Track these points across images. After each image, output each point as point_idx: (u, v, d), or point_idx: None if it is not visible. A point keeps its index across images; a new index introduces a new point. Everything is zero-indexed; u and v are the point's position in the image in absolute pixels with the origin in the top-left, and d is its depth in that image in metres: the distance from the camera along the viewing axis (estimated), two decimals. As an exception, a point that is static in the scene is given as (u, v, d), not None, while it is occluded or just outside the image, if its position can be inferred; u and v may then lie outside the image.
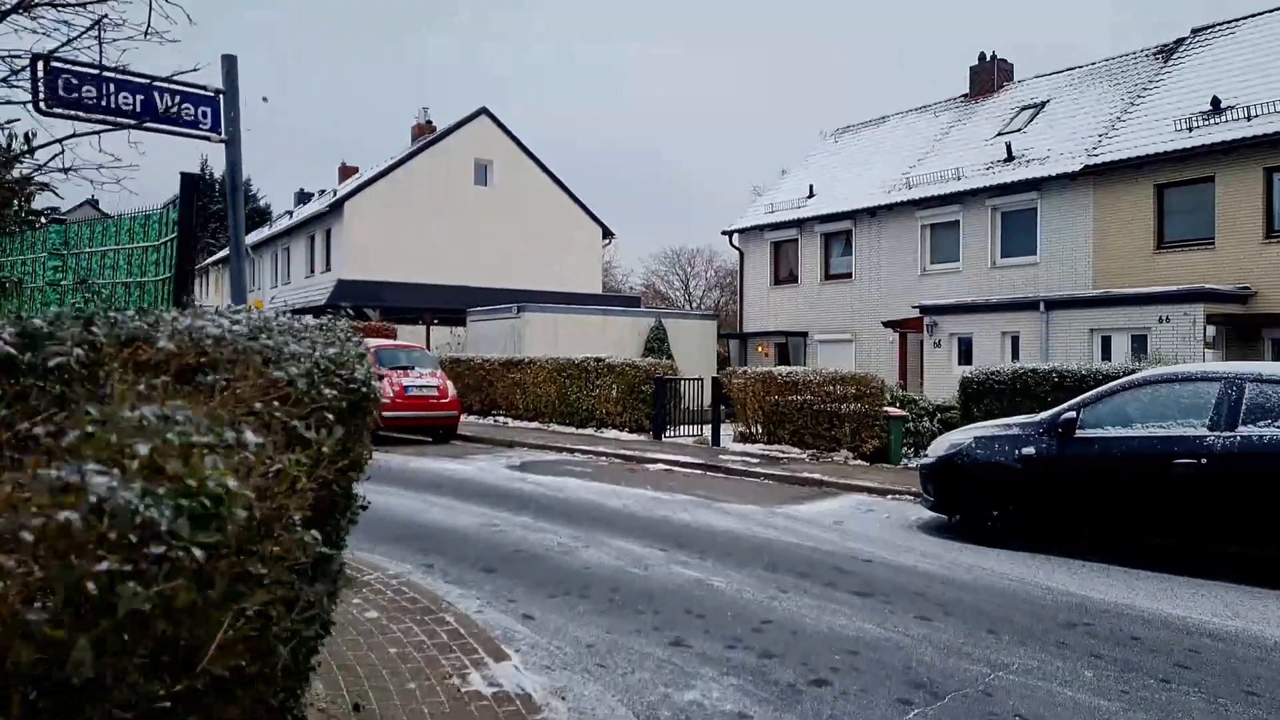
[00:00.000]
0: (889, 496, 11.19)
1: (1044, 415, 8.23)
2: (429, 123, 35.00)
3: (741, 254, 28.89)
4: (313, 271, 32.67)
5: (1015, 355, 18.86)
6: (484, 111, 32.72)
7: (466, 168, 32.20)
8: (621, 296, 41.45)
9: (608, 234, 35.63)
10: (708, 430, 16.78)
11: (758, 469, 12.84)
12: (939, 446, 8.95)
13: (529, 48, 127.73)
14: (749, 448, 14.82)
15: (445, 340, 28.12)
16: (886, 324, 22.74)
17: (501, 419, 18.41)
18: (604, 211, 35.97)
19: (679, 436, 16.38)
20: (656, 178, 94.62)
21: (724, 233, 29.20)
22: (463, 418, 18.79)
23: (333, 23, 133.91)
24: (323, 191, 40.69)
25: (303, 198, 46.81)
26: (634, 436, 16.19)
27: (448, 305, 28.31)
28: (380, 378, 14.74)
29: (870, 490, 11.42)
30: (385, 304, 27.93)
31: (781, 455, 14.20)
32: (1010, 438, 8.21)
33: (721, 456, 14.01)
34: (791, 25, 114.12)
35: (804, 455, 14.13)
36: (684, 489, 11.43)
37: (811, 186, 27.56)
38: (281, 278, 35.92)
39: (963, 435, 8.88)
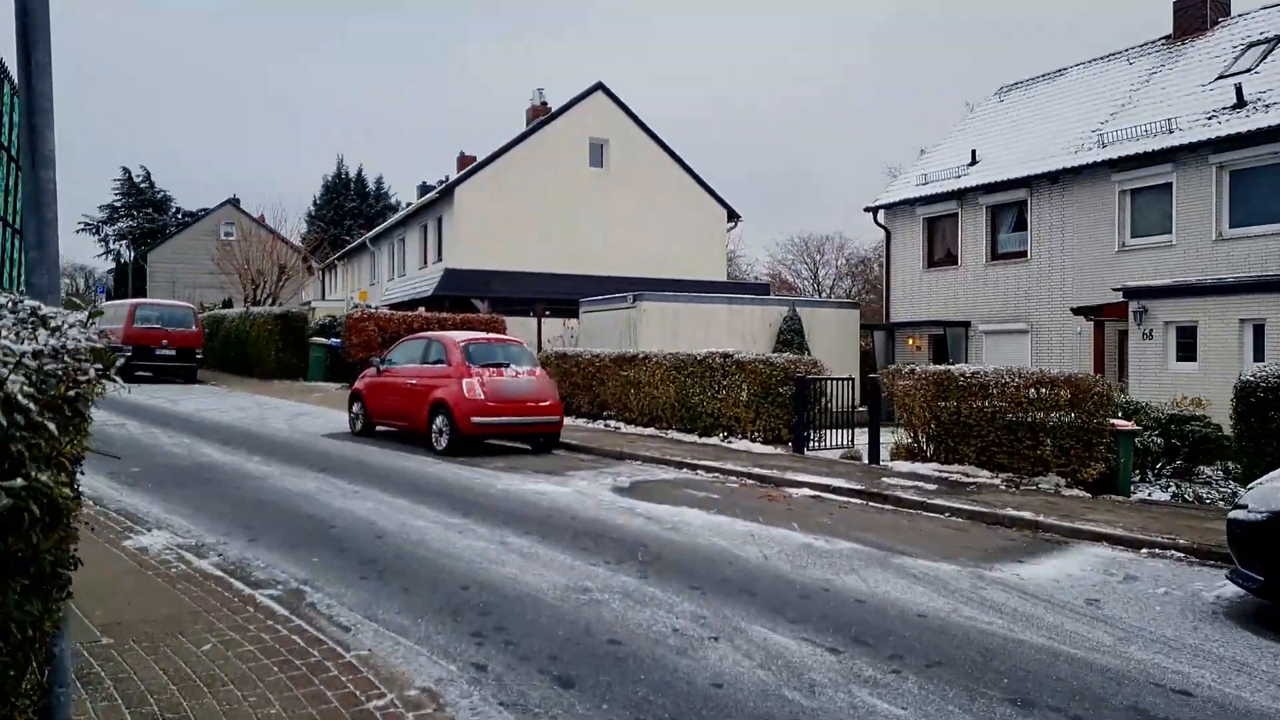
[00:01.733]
0: (1144, 551, 7.90)
1: None
2: (544, 104, 32.97)
3: (888, 233, 25.37)
4: (425, 262, 31.26)
5: (1259, 350, 14.81)
6: (599, 87, 30.38)
7: (580, 148, 29.96)
8: (749, 284, 38.40)
9: (733, 216, 32.68)
10: (860, 442, 13.69)
11: (938, 499, 9.73)
12: (1270, 495, 5.70)
13: (636, 29, 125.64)
14: (918, 467, 11.68)
15: (558, 333, 25.96)
16: (1077, 311, 18.87)
17: (612, 423, 15.88)
18: (723, 195, 32.99)
19: (824, 449, 13.38)
20: (773, 161, 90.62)
21: (867, 209, 25.76)
22: (568, 421, 16.40)
23: (458, 12, 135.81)
24: (441, 182, 39.52)
25: (424, 190, 46.02)
26: (769, 449, 13.30)
27: (560, 295, 26.13)
28: (468, 375, 12.47)
29: (1114, 540, 8.14)
30: (494, 294, 26.01)
31: (965, 480, 11.00)
32: None
33: (885, 480, 10.95)
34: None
35: (996, 480, 10.88)
36: (844, 529, 8.49)
37: (974, 152, 23.77)
38: (398, 269, 34.84)
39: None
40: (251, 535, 7.47)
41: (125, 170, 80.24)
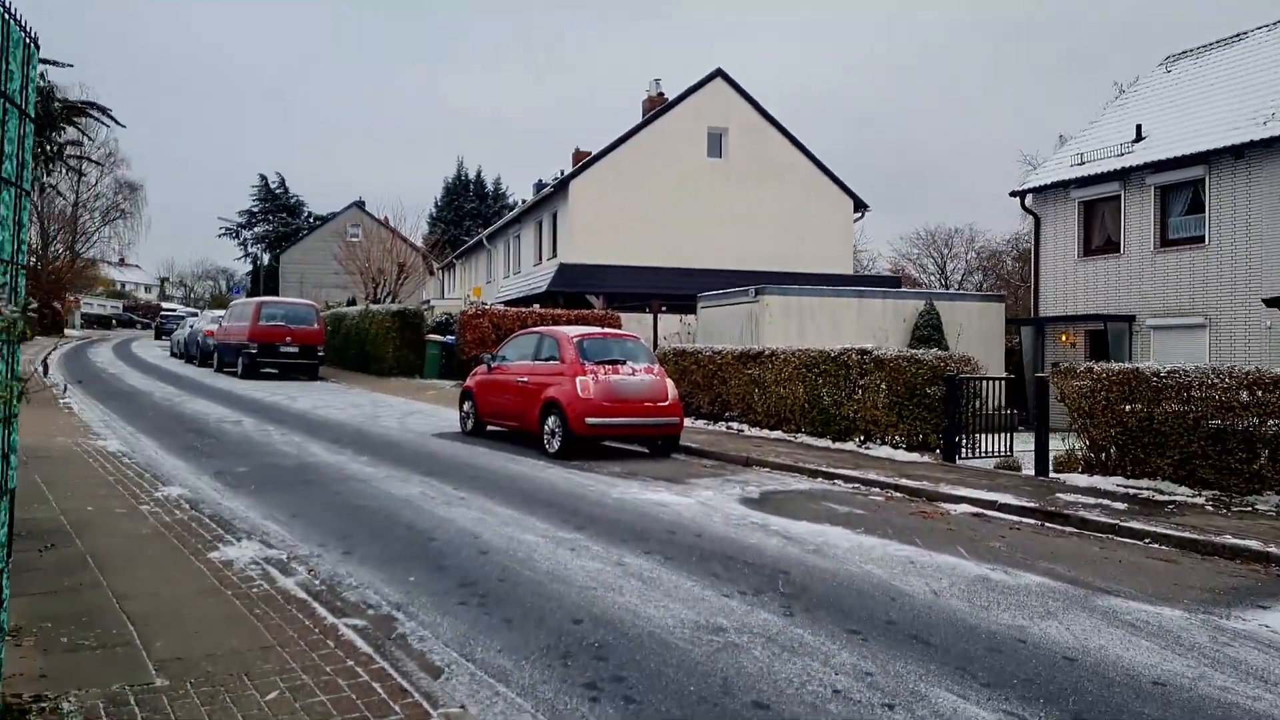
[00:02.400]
0: None
1: None
2: (660, 95, 32.04)
3: (1037, 219, 23.16)
4: (540, 259, 30.88)
5: None
6: (719, 74, 29.21)
7: (698, 138, 28.87)
8: (879, 276, 36.37)
9: (860, 206, 30.88)
10: (1021, 450, 12.10)
11: (1133, 522, 8.15)
12: None
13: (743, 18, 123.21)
14: (1098, 482, 10.04)
15: (674, 330, 24.95)
16: (1270, 302, 16.44)
17: (735, 425, 14.72)
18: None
19: (978, 458, 11.83)
20: (895, 151, 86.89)
21: (1013, 193, 23.60)
22: (687, 423, 15.35)
23: (574, 12, 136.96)
24: (555, 178, 39.26)
25: (540, 188, 46.02)
26: (913, 456, 11.86)
27: (677, 291, 25.13)
28: (583, 373, 11.59)
29: (1387, 583, 6.44)
30: (609, 290, 25.26)
31: (1159, 498, 9.31)
32: None
33: (1060, 497, 9.39)
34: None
35: (1198, 499, 9.15)
36: (1024, 558, 7.10)
37: (1139, 128, 21.33)
38: (513, 266, 34.68)
39: None
40: (347, 547, 6.75)
41: (262, 177, 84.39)
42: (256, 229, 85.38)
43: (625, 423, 11.72)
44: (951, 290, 36.40)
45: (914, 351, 12.11)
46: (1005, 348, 22.73)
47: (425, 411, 16.87)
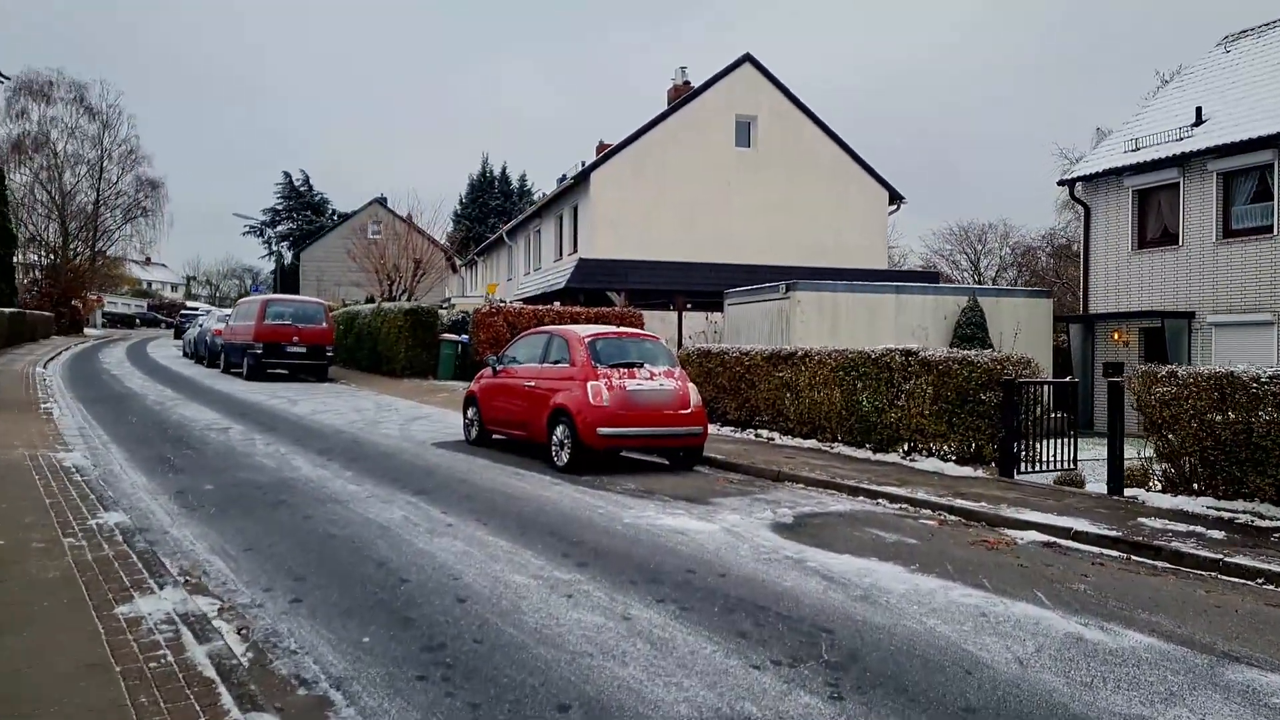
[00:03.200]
0: None
1: None
2: (686, 83, 30.77)
3: (1086, 209, 21.64)
4: (560, 254, 29.77)
5: None
6: (747, 59, 27.90)
7: (726, 126, 27.59)
8: (916, 271, 34.88)
9: (895, 198, 29.43)
10: (1086, 459, 10.76)
11: (1236, 557, 6.82)
12: None
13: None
14: (1183, 503, 8.69)
15: (700, 328, 23.74)
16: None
17: (764, 433, 13.47)
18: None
19: (1037, 471, 10.48)
20: (923, 147, 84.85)
21: (1062, 182, 22.12)
22: (712, 430, 14.12)
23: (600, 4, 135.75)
24: (578, 168, 38.13)
25: (562, 181, 44.97)
26: (966, 471, 10.55)
27: (703, 287, 23.89)
28: (594, 378, 10.41)
29: None
30: (631, 286, 24.08)
31: (1261, 523, 7.95)
32: None
33: (1144, 522, 8.06)
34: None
35: (1313, 527, 7.78)
36: (1117, 607, 5.81)
37: (1199, 110, 19.77)
38: (533, 262, 33.60)
39: None
40: (299, 592, 5.63)
41: (286, 175, 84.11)
42: (280, 227, 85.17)
43: (642, 433, 10.52)
44: (995, 285, 34.72)
45: (966, 352, 10.79)
46: (1054, 347, 21.28)
47: (432, 417, 15.80)
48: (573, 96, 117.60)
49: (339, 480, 9.47)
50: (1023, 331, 20.24)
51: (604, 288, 23.60)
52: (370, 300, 38.43)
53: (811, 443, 12.69)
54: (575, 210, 28.04)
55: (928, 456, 11.18)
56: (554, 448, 10.61)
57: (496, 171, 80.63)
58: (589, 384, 10.36)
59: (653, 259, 24.38)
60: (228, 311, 28.69)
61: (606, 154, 26.04)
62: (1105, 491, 9.44)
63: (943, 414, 10.90)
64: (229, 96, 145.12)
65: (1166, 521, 8.06)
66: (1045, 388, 10.54)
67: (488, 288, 29.52)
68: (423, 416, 15.98)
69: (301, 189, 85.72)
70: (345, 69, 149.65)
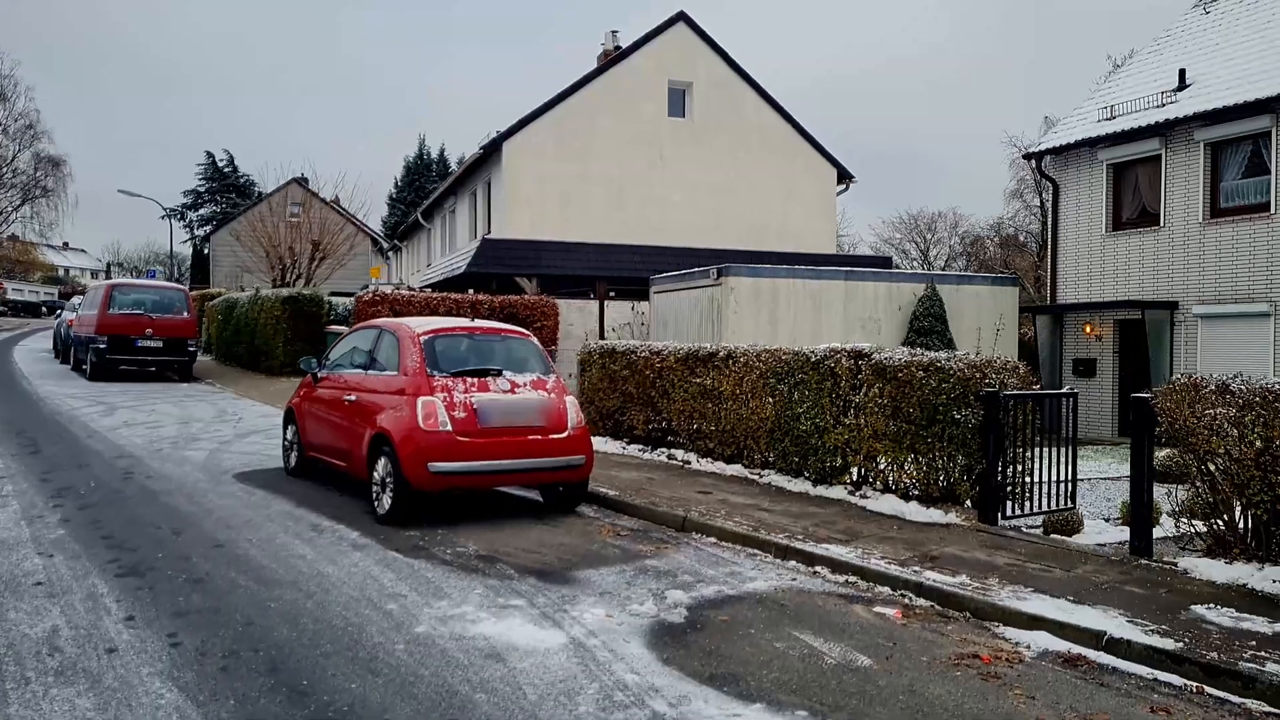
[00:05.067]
0: None
1: None
2: (617, 48, 27.79)
3: (1055, 186, 19.27)
4: (476, 235, 26.65)
5: None
6: (681, 18, 25.04)
7: (658, 93, 24.71)
8: (867, 256, 32.43)
9: (845, 177, 26.89)
10: (1091, 499, 8.20)
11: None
12: None
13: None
14: (1241, 573, 6.10)
15: (625, 319, 20.89)
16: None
17: (679, 454, 10.68)
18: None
19: (1027, 514, 7.83)
20: (873, 138, 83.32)
21: (1027, 155, 19.75)
22: (614, 449, 11.30)
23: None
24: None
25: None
26: (934, 514, 7.85)
27: (630, 273, 21.04)
28: (428, 391, 7.50)
29: None
30: (546, 271, 21.12)
31: (1379, 618, 5.38)
32: None
33: (1200, 612, 5.43)
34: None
35: None
36: None
37: (1183, 73, 17.46)
38: (449, 245, 30.40)
39: None
40: None
41: (209, 155, 79.24)
42: (203, 210, 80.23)
43: (497, 467, 7.63)
44: (956, 271, 32.42)
45: (934, 356, 8.09)
46: (1020, 341, 18.92)
47: (270, 431, 12.70)
48: (516, 73, 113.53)
49: (29, 546, 6.42)
50: (987, 323, 17.81)
51: (512, 273, 20.64)
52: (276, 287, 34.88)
53: (736, 468, 9.92)
54: (489, 186, 24.96)
55: (883, 492, 8.48)
56: (374, 489, 7.68)
57: (434, 153, 76.80)
58: (420, 400, 7.43)
59: (571, 240, 21.43)
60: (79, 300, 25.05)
61: (520, 122, 23.01)
62: (1127, 551, 6.83)
63: (903, 435, 8.21)
64: (155, 79, 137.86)
65: (1235, 613, 5.43)
66: (1040, 403, 7.91)
67: (371, 272, 26.31)
68: (263, 430, 12.89)
69: (225, 170, 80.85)
70: (276, 51, 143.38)
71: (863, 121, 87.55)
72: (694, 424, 10.54)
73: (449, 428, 7.41)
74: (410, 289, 24.83)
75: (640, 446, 11.28)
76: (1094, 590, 5.81)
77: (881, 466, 8.57)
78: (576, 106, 23.89)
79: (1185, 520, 6.76)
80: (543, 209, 23.08)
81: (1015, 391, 7.73)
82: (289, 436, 9.68)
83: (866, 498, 8.47)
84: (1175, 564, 6.44)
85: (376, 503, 7.64)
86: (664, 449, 10.96)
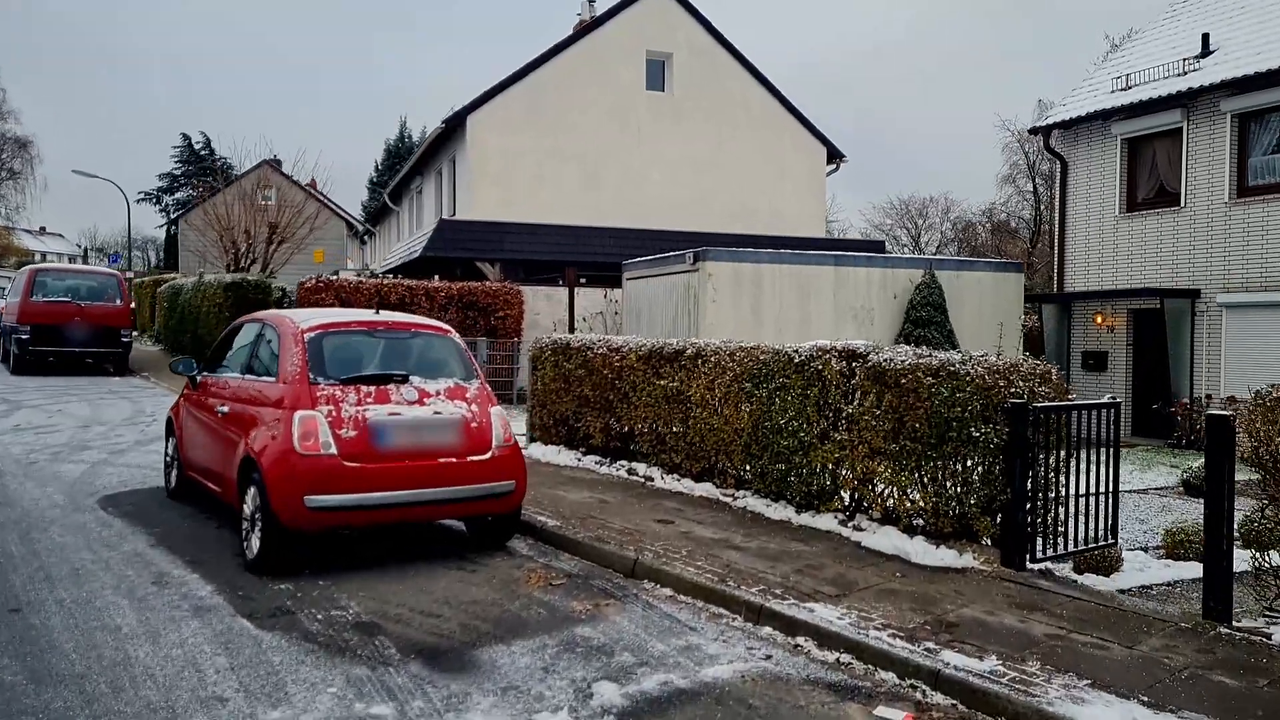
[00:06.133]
0: None
1: None
2: (594, 18, 26.03)
3: (1063, 163, 17.73)
4: (442, 214, 24.95)
5: None
6: (660, -16, 23.30)
7: (635, 65, 23.03)
8: (858, 241, 30.88)
9: (835, 156, 25.30)
10: (1148, 535, 6.71)
11: None
12: None
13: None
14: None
15: (598, 308, 19.30)
16: None
17: (641, 469, 9.14)
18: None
19: (1057, 554, 6.28)
20: (864, 125, 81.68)
21: (1033, 130, 18.20)
22: (565, 459, 9.75)
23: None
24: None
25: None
26: (947, 555, 6.30)
27: (604, 257, 19.42)
28: (308, 404, 5.92)
29: None
30: (508, 255, 19.48)
31: None
32: None
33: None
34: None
35: None
36: None
37: (1205, 38, 15.91)
38: (415, 228, 28.69)
39: None
40: None
41: (185, 138, 76.91)
42: (179, 194, 78.08)
43: (397, 500, 6.05)
44: (955, 256, 30.91)
45: (946, 359, 6.53)
46: (1023, 333, 17.44)
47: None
48: (502, 51, 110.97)
49: None
50: (990, 313, 16.31)
51: (473, 257, 19.00)
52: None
53: (706, 488, 8.38)
54: (454, 164, 23.25)
55: (881, 522, 6.96)
56: (244, 525, 6.10)
57: (416, 136, 74.83)
58: (297, 416, 5.85)
59: (540, 221, 19.77)
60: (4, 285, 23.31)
61: (486, 93, 21.30)
62: (1199, 613, 5.32)
63: (907, 456, 6.67)
64: (139, 65, 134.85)
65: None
66: (1079, 416, 6.38)
67: (314, 255, 24.61)
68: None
69: (202, 153, 78.56)
70: (261, 34, 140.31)
71: (851, 107, 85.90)
72: (658, 434, 8.98)
73: (333, 450, 5.83)
74: (371, 275, 23.16)
75: (597, 459, 9.72)
76: (1172, 683, 4.30)
77: (880, 491, 7.04)
78: (548, 78, 22.19)
79: (1271, 577, 5.24)
80: (511, 188, 21.41)
81: (1048, 404, 6.19)
82: (169, 450, 8.08)
83: (861, 529, 6.94)
84: (1268, 635, 4.93)
85: (245, 544, 6.06)
86: (624, 461, 9.41)
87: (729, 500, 8.04)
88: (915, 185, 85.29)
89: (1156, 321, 15.49)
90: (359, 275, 22.51)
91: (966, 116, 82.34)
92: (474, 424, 6.45)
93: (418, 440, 6.18)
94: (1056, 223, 18.26)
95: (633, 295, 16.77)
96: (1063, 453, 6.23)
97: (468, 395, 6.58)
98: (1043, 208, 48.12)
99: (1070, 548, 6.31)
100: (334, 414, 5.95)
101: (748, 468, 8.06)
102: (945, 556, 6.23)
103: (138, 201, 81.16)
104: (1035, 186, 48.13)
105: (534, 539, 7.08)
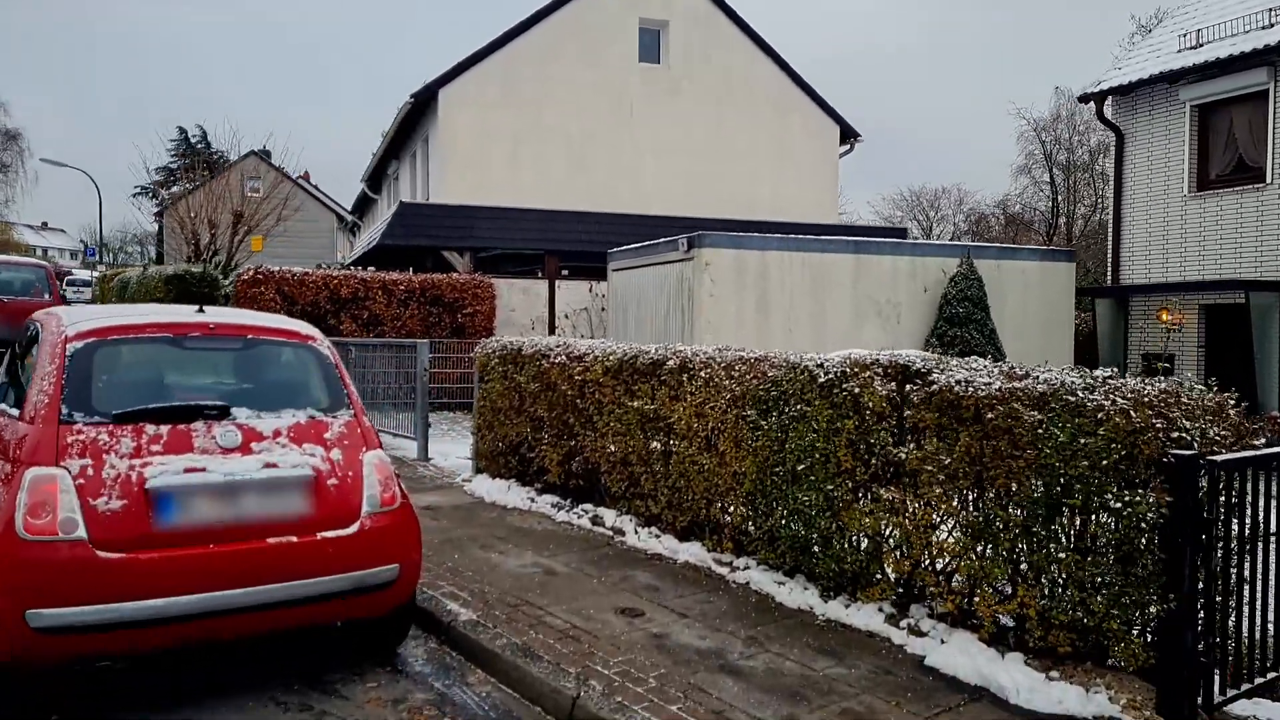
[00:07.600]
0: None
1: None
2: (585, -13, 23.64)
3: (1119, 135, 15.36)
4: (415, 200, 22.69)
5: None
6: (655, -57, 20.97)
7: (627, 34, 20.72)
8: (877, 228, 28.54)
9: (848, 135, 22.95)
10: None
11: None
12: None
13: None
14: None
15: (582, 303, 17.05)
16: None
17: (608, 519, 6.85)
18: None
19: (1248, 692, 3.98)
20: (877, 115, 79.19)
21: (1084, 97, 15.80)
22: (521, 504, 7.47)
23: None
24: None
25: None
26: (1068, 696, 4.01)
27: (590, 247, 17.12)
28: (61, 454, 3.64)
29: None
30: (478, 243, 17.20)
31: None
32: None
33: None
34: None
35: None
36: None
37: (1294, -17, 13.54)
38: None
39: None
40: None
41: (181, 130, 74.78)
42: (175, 187, 76.11)
43: (191, 609, 3.78)
44: (997, 243, 28.51)
45: (1061, 383, 4.24)
46: (1076, 332, 15.14)
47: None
48: (482, 19, 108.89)
49: None
50: (1035, 309, 14.02)
51: (438, 245, 16.74)
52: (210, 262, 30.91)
53: (693, 550, 6.09)
54: (427, 144, 20.98)
55: (953, 624, 4.65)
56: (-52, 651, 3.83)
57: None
58: (29, 476, 3.63)
59: (517, 206, 17.48)
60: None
61: (460, 65, 19.00)
62: None
63: (999, 533, 4.37)
64: (138, 65, 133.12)
65: None
66: (1268, 469, 4.10)
67: (253, 244, 22.39)
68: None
69: (199, 145, 76.51)
70: (268, 25, 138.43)
71: (854, 98, 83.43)
72: (631, 473, 6.69)
73: (81, 533, 3.59)
74: (336, 266, 20.95)
75: (555, 499, 7.44)
76: None
77: (949, 573, 4.75)
78: (529, 49, 19.89)
79: None
80: (487, 171, 19.14)
81: (1231, 455, 3.87)
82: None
83: (922, 634, 4.64)
84: None
85: (-52, 682, 3.81)
86: (589, 505, 7.13)
87: (724, 572, 5.75)
88: (925, 177, 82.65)
89: (1237, 319, 13.16)
90: (321, 266, 20.30)
91: (977, 106, 79.61)
92: (332, 480, 4.19)
93: (234, 511, 3.93)
94: (1112, 204, 15.89)
95: (619, 289, 14.51)
96: (1254, 532, 3.93)
97: (327, 436, 4.31)
98: (1059, 199, 45.87)
99: (1267, 675, 4.02)
100: (90, 472, 3.69)
101: (751, 526, 5.77)
102: (1067, 696, 3.93)
103: (134, 195, 79.22)
104: (1052, 177, 45.95)
105: (438, 641, 4.82)
